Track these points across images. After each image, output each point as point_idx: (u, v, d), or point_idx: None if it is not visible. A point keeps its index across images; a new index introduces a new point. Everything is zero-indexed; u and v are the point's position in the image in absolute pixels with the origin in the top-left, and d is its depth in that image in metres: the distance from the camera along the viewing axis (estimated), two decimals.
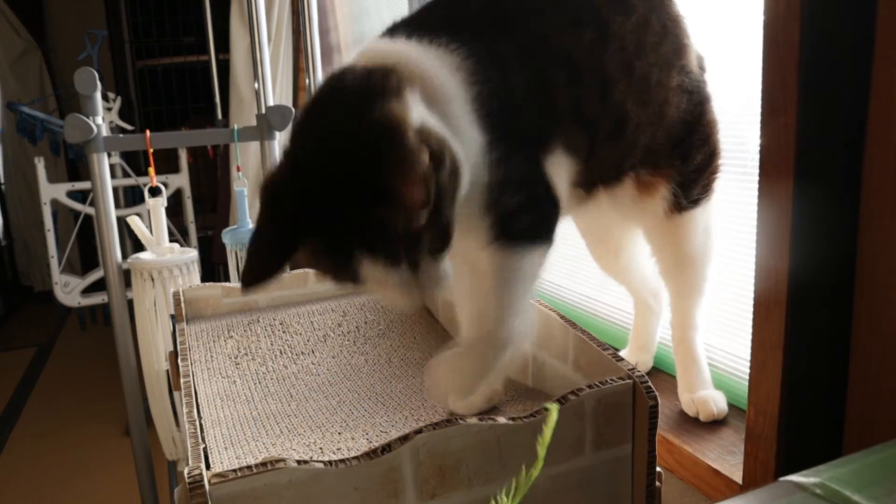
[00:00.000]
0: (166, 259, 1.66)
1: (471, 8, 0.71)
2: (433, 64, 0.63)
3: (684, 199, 0.81)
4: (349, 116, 0.58)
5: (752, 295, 0.71)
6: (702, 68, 0.81)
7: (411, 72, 0.61)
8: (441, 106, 0.61)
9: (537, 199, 0.67)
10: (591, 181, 0.76)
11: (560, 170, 0.71)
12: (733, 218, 0.90)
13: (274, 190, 0.60)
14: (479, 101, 0.63)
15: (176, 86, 4.21)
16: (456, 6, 0.73)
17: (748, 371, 0.73)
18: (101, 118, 1.61)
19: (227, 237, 1.84)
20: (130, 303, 1.70)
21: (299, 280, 1.03)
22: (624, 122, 0.74)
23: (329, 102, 0.63)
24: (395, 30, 0.69)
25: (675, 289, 0.88)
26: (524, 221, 0.66)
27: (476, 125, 0.63)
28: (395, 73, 0.60)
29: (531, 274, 0.67)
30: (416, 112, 0.56)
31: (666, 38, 0.76)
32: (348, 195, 0.56)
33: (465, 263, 0.71)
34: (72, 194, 2.70)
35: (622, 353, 0.98)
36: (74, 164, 4.47)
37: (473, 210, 0.64)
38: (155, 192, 1.70)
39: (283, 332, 0.95)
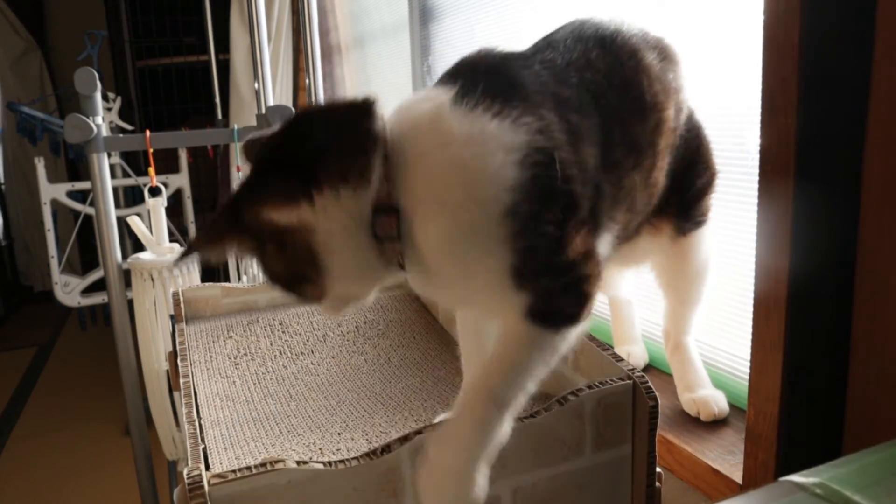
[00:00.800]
0: (166, 259, 1.66)
1: (552, 75, 0.64)
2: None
3: (688, 223, 0.82)
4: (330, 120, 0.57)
5: (752, 295, 0.71)
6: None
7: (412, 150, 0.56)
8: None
9: (584, 281, 0.58)
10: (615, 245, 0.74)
11: (603, 247, 0.67)
12: (733, 218, 0.90)
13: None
14: (534, 183, 0.55)
15: (176, 86, 4.21)
16: (534, 72, 0.64)
17: (748, 371, 0.72)
18: (101, 118, 1.61)
19: None
20: (130, 303, 1.70)
21: None
22: (654, 194, 0.75)
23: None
24: (456, 81, 0.59)
25: (676, 299, 0.89)
26: (565, 304, 0.58)
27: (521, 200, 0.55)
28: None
29: (556, 355, 0.59)
30: None
31: (682, 105, 0.77)
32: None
33: (479, 317, 0.69)
34: (72, 194, 2.70)
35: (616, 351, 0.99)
36: (74, 164, 4.47)
37: (504, 284, 0.56)
38: (155, 192, 1.70)
39: (283, 332, 0.95)
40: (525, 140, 0.54)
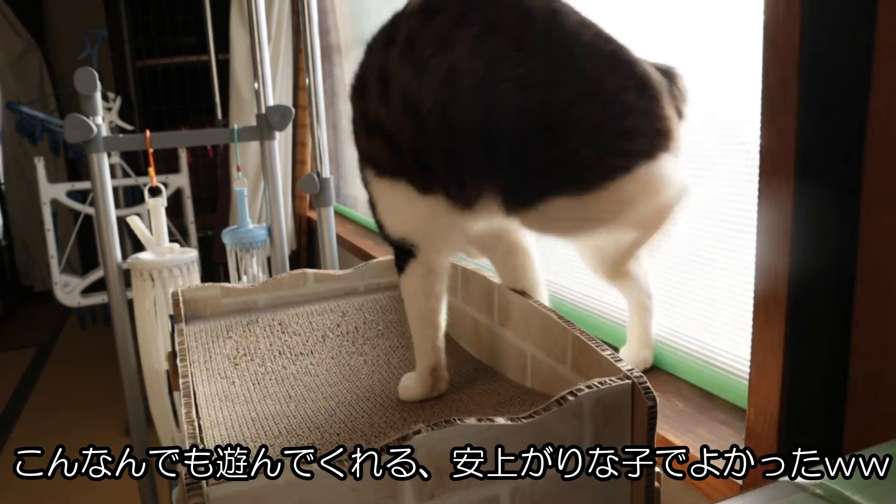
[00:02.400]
0: (166, 259, 1.66)
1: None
2: None
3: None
4: None
5: (752, 295, 0.71)
6: None
7: None
8: None
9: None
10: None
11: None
12: (733, 218, 0.90)
13: None
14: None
15: (176, 86, 4.21)
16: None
17: (748, 371, 0.72)
18: (101, 118, 1.61)
19: (227, 237, 1.84)
20: (130, 303, 1.70)
21: (298, 280, 1.03)
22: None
23: None
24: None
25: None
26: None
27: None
28: None
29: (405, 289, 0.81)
30: None
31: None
32: None
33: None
34: (72, 194, 2.70)
35: (622, 352, 0.98)
36: (74, 164, 4.48)
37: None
38: (155, 192, 1.70)
39: (282, 332, 0.95)
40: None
